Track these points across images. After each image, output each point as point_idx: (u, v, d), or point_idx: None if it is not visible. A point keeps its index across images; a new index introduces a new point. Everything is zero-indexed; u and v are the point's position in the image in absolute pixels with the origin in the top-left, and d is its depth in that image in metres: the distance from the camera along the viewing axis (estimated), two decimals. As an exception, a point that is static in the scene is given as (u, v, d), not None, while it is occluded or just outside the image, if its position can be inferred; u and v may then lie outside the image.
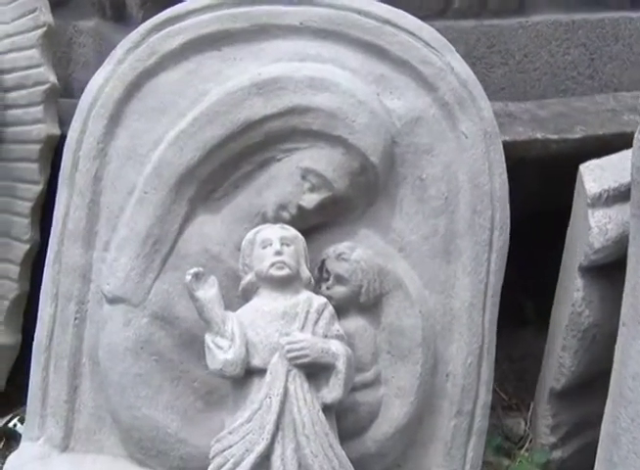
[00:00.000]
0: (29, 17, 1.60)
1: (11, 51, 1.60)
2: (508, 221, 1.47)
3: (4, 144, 1.59)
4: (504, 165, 1.47)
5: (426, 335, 1.41)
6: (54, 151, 1.63)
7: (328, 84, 1.40)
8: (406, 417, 1.40)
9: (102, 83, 1.50)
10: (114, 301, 1.43)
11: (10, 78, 1.60)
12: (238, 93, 1.42)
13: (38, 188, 1.62)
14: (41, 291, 1.52)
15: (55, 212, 1.52)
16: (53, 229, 1.52)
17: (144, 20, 1.92)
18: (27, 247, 1.63)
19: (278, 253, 1.29)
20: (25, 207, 1.62)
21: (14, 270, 1.63)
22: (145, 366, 1.41)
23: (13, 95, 1.59)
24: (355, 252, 1.39)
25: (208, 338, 1.26)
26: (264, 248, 1.31)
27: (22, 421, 1.63)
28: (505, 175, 1.47)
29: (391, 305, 1.41)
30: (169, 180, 1.42)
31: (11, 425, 1.64)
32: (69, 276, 1.48)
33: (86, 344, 1.48)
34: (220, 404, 1.41)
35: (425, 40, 1.46)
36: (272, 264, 1.29)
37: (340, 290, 1.38)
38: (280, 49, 1.47)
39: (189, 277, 1.26)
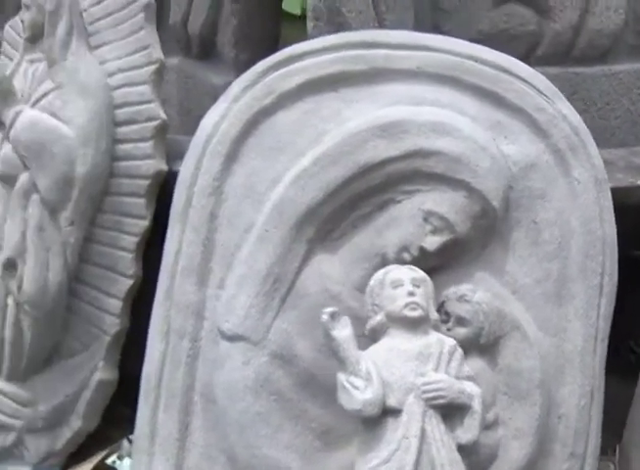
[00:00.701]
0: (142, 53, 1.66)
1: (123, 86, 1.65)
2: (617, 266, 1.52)
3: (114, 178, 1.63)
4: (612, 212, 1.53)
5: (543, 377, 1.45)
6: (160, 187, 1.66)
7: (450, 129, 1.46)
8: (525, 458, 1.43)
9: (217, 120, 1.54)
10: (233, 338, 1.46)
11: (121, 113, 1.64)
12: (360, 134, 1.47)
13: (144, 223, 1.65)
14: (150, 327, 1.55)
15: (166, 248, 1.55)
16: (163, 265, 1.55)
17: (237, 58, 2.00)
18: (131, 282, 1.65)
19: (411, 294, 1.33)
20: (131, 242, 1.65)
21: (116, 305, 1.66)
22: (265, 405, 1.43)
23: (124, 130, 1.64)
24: (477, 294, 1.43)
25: (342, 377, 1.29)
26: (395, 288, 1.35)
27: (120, 457, 1.64)
28: (614, 221, 1.52)
29: (509, 347, 1.45)
30: (290, 219, 1.46)
31: (109, 461, 1.64)
32: (182, 313, 1.51)
33: (199, 381, 1.50)
34: (337, 444, 1.44)
35: (538, 88, 1.52)
36: (406, 305, 1.32)
37: (461, 331, 1.42)
38: (397, 92, 1.52)
39: (326, 316, 1.29)
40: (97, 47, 1.67)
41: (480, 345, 1.42)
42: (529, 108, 1.51)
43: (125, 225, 1.65)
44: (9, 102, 1.61)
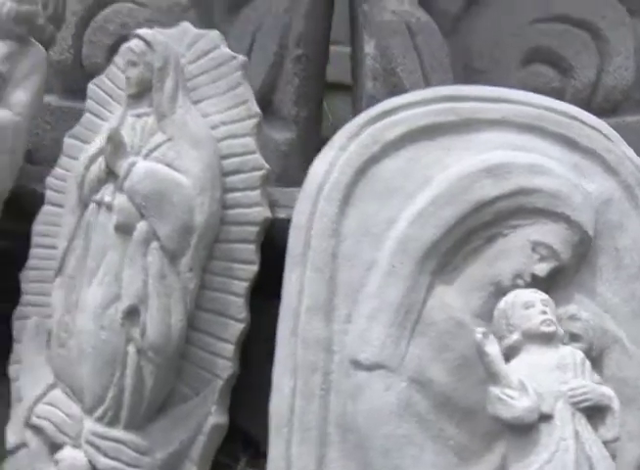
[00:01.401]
0: (242, 107, 1.79)
1: (227, 138, 1.77)
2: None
3: (224, 226, 1.73)
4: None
5: (643, 383, 1.67)
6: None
7: (545, 169, 1.69)
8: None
9: (327, 168, 1.71)
10: (371, 367, 1.59)
11: (228, 163, 1.76)
12: (469, 177, 1.67)
13: (254, 268, 1.76)
14: (275, 365, 1.65)
15: (286, 289, 1.67)
16: (285, 305, 1.67)
17: (297, 115, 2.17)
18: (242, 326, 1.74)
19: (544, 312, 1.53)
20: (242, 286, 1.75)
21: (228, 349, 1.73)
22: (408, 427, 1.57)
23: (232, 179, 1.75)
24: (584, 313, 1.64)
25: (496, 390, 1.45)
26: (527, 308, 1.54)
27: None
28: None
29: (612, 359, 1.66)
30: (415, 255, 1.63)
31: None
32: (312, 349, 1.62)
33: (333, 413, 1.61)
34: (470, 460, 1.59)
35: (604, 133, 1.79)
36: (542, 322, 1.51)
37: (575, 347, 1.62)
38: (488, 140, 1.74)
39: (479, 335, 1.46)
40: (197, 102, 1.80)
41: (592, 358, 1.63)
42: (600, 150, 1.76)
43: (235, 271, 1.75)
44: (120, 154, 1.70)
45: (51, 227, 1.91)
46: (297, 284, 1.66)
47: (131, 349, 1.66)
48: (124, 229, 1.68)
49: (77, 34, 2.27)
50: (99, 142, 1.77)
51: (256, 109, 1.80)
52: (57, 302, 1.78)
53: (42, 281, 1.90)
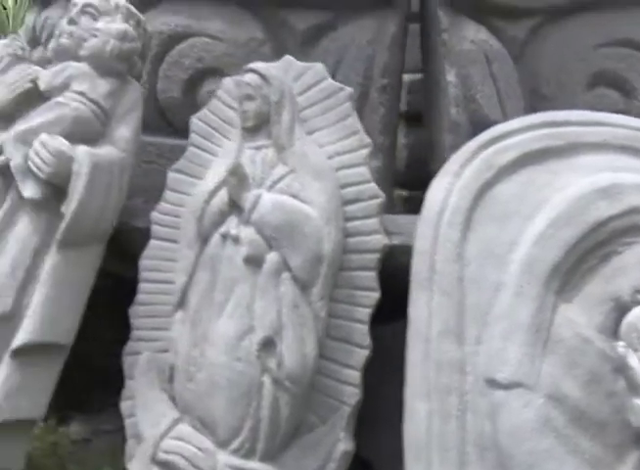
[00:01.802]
0: (354, 138, 1.86)
1: (342, 168, 1.83)
2: None
3: (346, 254, 1.79)
4: None
5: None
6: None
7: (652, 188, 1.79)
8: None
9: (445, 195, 1.78)
10: (509, 386, 1.65)
11: (347, 193, 1.82)
12: (584, 198, 1.75)
13: (375, 295, 1.81)
14: (407, 388, 1.70)
15: (413, 314, 1.73)
16: (414, 330, 1.72)
17: (383, 143, 2.23)
18: (367, 353, 1.79)
19: (676, 325, 1.62)
20: (365, 313, 1.80)
21: (354, 376, 1.78)
22: (548, 443, 1.63)
23: (351, 208, 1.81)
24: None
25: (644, 401, 1.54)
26: (658, 323, 1.63)
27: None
28: None
29: None
30: (540, 276, 1.70)
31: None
32: (446, 371, 1.68)
33: (470, 433, 1.67)
34: (604, 472, 1.66)
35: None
36: (675, 333, 1.60)
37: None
38: (592, 162, 1.83)
39: (622, 349, 1.54)
40: (309, 133, 1.86)
41: None
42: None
43: (358, 298, 1.80)
44: (244, 187, 1.74)
45: (160, 262, 1.94)
46: (426, 308, 1.72)
47: (267, 379, 1.70)
48: (254, 261, 1.72)
49: (153, 69, 2.31)
50: (217, 176, 1.81)
51: (367, 139, 1.87)
52: (179, 336, 1.81)
53: (153, 316, 1.93)
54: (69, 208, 1.84)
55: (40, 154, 1.85)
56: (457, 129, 2.19)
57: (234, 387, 1.70)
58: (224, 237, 1.76)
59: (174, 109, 2.31)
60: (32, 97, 1.97)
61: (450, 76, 2.17)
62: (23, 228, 1.87)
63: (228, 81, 2.01)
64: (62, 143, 1.86)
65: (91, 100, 1.91)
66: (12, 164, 1.87)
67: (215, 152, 1.94)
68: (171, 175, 1.99)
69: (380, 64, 2.16)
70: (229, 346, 1.71)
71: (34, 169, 1.85)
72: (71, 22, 2.02)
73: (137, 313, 1.94)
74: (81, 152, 1.86)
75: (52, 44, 2.04)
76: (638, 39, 2.30)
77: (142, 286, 1.96)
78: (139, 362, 1.90)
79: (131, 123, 1.97)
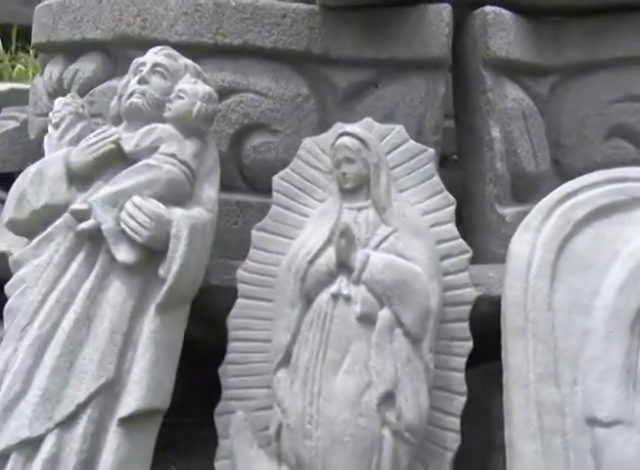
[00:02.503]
0: (439, 196, 2.01)
1: (433, 225, 1.97)
2: None
3: (443, 307, 1.91)
4: None
5: None
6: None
7: None
8: None
9: (530, 249, 1.96)
10: (610, 424, 1.83)
11: (440, 249, 1.95)
12: (653, 249, 1.97)
13: (469, 344, 1.94)
14: (513, 431, 1.85)
15: (512, 359, 1.89)
16: (514, 376, 1.88)
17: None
18: (464, 399, 1.92)
19: None
20: (461, 362, 1.93)
21: (455, 422, 1.91)
22: (649, 475, 1.82)
23: (444, 263, 1.95)
24: None
25: None
26: None
27: None
28: None
29: None
30: (626, 321, 1.90)
31: None
32: (550, 413, 1.85)
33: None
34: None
35: None
36: None
37: None
38: (654, 214, 2.06)
39: None
40: (399, 193, 1.98)
41: None
42: None
43: (454, 348, 1.94)
44: (353, 247, 1.84)
45: (250, 320, 2.00)
46: (524, 354, 1.88)
47: (387, 432, 1.80)
48: (367, 319, 1.82)
49: (201, 124, 2.36)
50: (319, 236, 1.89)
51: (451, 197, 2.03)
52: (286, 394, 1.87)
53: (245, 375, 1.99)
54: (171, 272, 1.87)
55: (137, 217, 1.87)
56: (500, 181, 2.38)
57: (357, 442, 1.78)
58: (335, 296, 1.85)
59: (220, 162, 2.36)
60: (113, 158, 1.99)
61: (495, 132, 2.35)
62: (117, 292, 1.89)
63: (308, 141, 2.10)
64: (158, 205, 1.89)
65: (182, 161, 1.95)
66: (103, 227, 1.89)
67: (301, 211, 2.03)
68: (255, 234, 2.05)
69: (431, 121, 2.31)
70: (350, 402, 1.79)
71: (130, 233, 1.87)
72: (143, 81, 2.06)
73: (228, 373, 1.99)
74: (179, 215, 1.90)
75: (123, 103, 2.07)
76: (650, 95, 2.58)
77: (232, 345, 2.01)
78: (234, 421, 1.95)
79: (214, 183, 2.03)
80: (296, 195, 2.05)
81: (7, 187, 3.07)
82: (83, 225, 1.90)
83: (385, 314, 1.83)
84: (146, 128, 2.00)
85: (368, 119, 2.09)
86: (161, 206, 1.90)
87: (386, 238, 1.89)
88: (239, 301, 2.03)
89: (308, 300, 1.89)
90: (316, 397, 1.83)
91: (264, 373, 1.96)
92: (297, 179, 2.07)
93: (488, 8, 2.35)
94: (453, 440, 1.92)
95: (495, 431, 2.14)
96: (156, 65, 2.08)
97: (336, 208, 1.95)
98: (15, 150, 3.05)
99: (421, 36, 2.30)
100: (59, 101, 2.20)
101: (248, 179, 2.40)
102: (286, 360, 1.90)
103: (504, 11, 2.38)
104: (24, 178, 2.05)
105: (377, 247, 1.88)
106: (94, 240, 1.92)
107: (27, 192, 2.01)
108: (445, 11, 2.29)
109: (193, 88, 2.04)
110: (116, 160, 1.99)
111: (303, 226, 1.99)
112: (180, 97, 2.03)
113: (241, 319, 2.01)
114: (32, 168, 2.05)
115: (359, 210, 1.93)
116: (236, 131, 2.37)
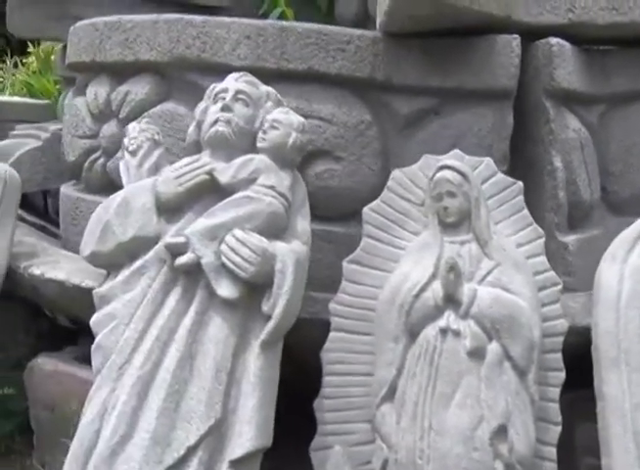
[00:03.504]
0: (529, 229, 2.09)
1: (528, 257, 2.04)
2: None
3: (540, 341, 2.00)
4: None
5: None
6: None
7: None
8: None
9: (619, 279, 2.06)
10: None
11: (536, 281, 2.03)
12: None
13: (562, 375, 2.03)
14: (613, 461, 1.94)
15: (607, 389, 1.99)
16: (612, 406, 1.97)
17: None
18: (559, 429, 2.00)
19: None
20: (555, 392, 2.00)
21: (552, 452, 1.98)
22: None
23: (540, 295, 2.02)
24: None
25: None
26: None
27: None
28: None
29: None
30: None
31: None
32: None
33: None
34: None
35: None
36: None
37: None
38: None
39: None
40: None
41: None
42: None
43: (549, 379, 2.01)
44: (460, 282, 1.90)
45: (345, 354, 2.03)
46: (619, 384, 1.98)
47: (499, 465, 1.86)
48: (477, 353, 1.88)
49: (266, 151, 2.37)
50: (423, 270, 1.94)
51: (540, 230, 2.10)
52: (392, 429, 1.91)
53: (340, 409, 2.02)
54: (277, 308, 1.88)
55: (240, 252, 1.88)
56: (561, 210, 2.47)
57: (472, 476, 1.85)
58: (444, 331, 1.90)
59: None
60: (204, 189, 1.99)
61: (557, 162, 2.44)
62: (219, 329, 1.89)
63: (397, 173, 2.15)
64: (260, 239, 1.90)
65: (280, 194, 1.97)
66: (203, 261, 1.89)
67: (394, 243, 2.07)
68: (347, 266, 2.08)
69: (499, 152, 2.38)
70: (463, 436, 1.85)
71: (233, 268, 1.87)
72: (227, 108, 2.06)
73: (322, 407, 2.01)
74: (284, 249, 1.92)
75: (206, 131, 2.07)
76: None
77: (327, 379, 2.03)
78: (332, 457, 1.98)
79: (307, 215, 2.05)
80: (388, 227, 2.09)
81: (27, 207, 3.04)
82: (182, 260, 1.90)
83: (494, 348, 1.90)
84: (242, 159, 2.00)
85: (457, 152, 2.15)
86: (264, 239, 1.91)
87: (490, 272, 1.95)
88: (332, 334, 2.05)
89: (412, 334, 1.94)
90: (427, 431, 1.88)
91: (364, 407, 2.00)
92: (387, 211, 2.11)
93: (553, 39, 2.45)
94: (550, 469, 2.00)
95: (580, 458, 2.24)
96: (238, 92, 2.09)
97: (436, 241, 2.00)
98: (36, 170, 3.00)
99: (490, 66, 2.37)
100: (133, 127, 2.17)
101: (310, 207, 2.43)
102: (390, 395, 1.94)
103: (563, 41, 2.49)
104: (107, 209, 2.03)
105: (481, 281, 1.95)
106: (190, 274, 1.91)
107: (112, 223, 1.99)
108: (515, 42, 2.37)
109: (287, 118, 2.06)
110: (207, 190, 2.00)
111: (400, 259, 2.04)
112: (275, 127, 2.04)
113: (336, 353, 2.04)
114: (117, 199, 2.03)
115: (462, 243, 1.99)
116: (302, 158, 2.40)
